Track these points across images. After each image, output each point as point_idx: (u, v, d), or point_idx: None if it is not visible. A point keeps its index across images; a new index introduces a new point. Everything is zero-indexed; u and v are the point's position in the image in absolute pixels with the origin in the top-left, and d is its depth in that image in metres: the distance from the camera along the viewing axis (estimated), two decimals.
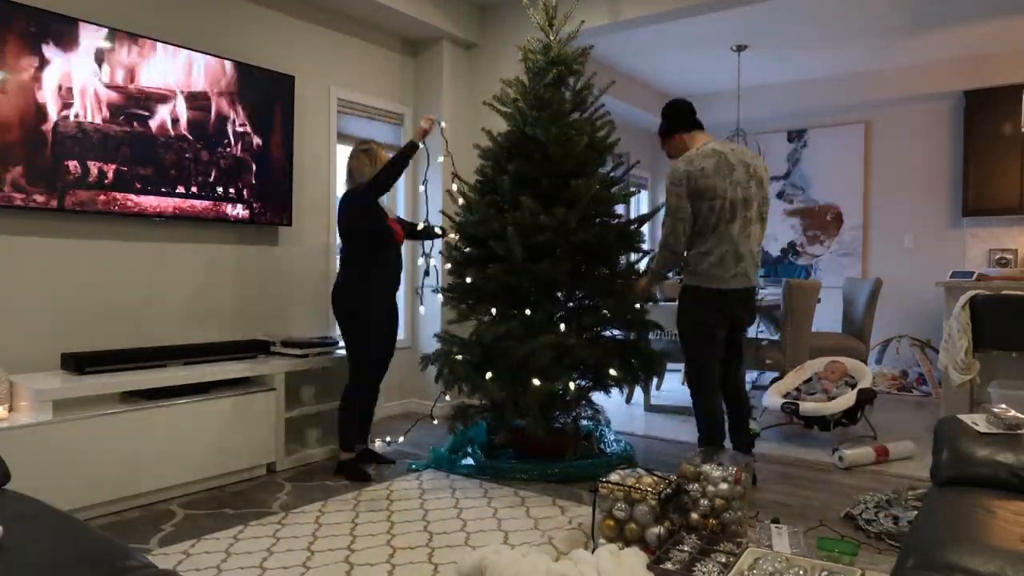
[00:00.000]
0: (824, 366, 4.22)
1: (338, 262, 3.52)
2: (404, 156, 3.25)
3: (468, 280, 3.46)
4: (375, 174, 3.28)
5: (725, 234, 2.96)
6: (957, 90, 5.81)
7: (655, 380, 3.72)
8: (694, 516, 2.48)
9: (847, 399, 3.77)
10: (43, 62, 2.88)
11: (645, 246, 3.61)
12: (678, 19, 4.20)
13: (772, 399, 4.05)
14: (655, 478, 2.46)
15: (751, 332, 6.45)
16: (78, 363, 2.86)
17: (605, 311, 3.32)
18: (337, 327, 3.67)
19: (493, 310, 3.36)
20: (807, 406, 3.83)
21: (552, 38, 3.57)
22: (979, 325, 3.63)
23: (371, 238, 3.32)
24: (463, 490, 3.11)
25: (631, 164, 3.90)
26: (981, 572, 1.23)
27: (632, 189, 3.61)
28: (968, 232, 5.96)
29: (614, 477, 2.47)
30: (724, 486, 2.47)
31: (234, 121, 3.58)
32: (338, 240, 3.52)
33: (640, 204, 7.53)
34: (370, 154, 3.39)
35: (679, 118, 3.14)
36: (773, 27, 5.05)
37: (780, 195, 6.91)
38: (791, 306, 4.47)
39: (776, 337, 4.79)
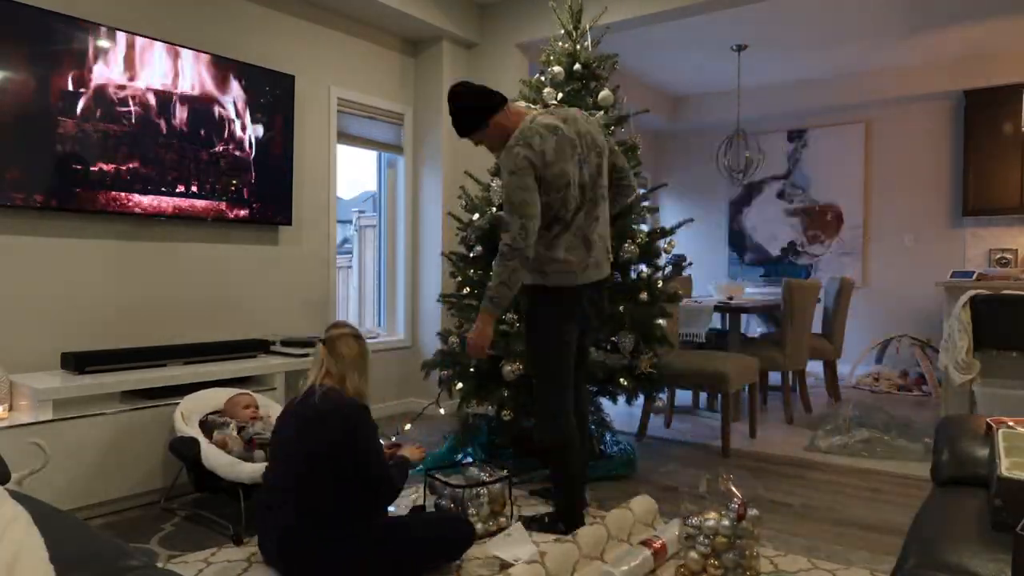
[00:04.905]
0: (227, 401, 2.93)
1: None
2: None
3: (474, 278, 3.44)
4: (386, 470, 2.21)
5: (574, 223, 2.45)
6: (957, 90, 5.81)
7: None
8: (692, 555, 2.16)
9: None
10: (43, 62, 2.88)
11: (660, 261, 3.47)
12: (682, 18, 4.19)
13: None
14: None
15: (752, 331, 6.43)
16: (78, 363, 2.86)
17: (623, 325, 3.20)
18: None
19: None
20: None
21: (577, 44, 3.47)
22: (979, 325, 3.63)
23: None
24: None
25: (657, 185, 3.88)
26: (981, 572, 1.23)
27: (646, 204, 3.49)
28: (968, 232, 5.96)
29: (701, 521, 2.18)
30: (726, 522, 2.13)
31: (234, 120, 3.58)
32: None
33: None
34: None
35: (483, 100, 2.48)
36: (773, 27, 5.05)
37: (780, 195, 6.91)
38: (791, 306, 4.47)
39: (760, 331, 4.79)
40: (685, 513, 2.22)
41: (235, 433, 2.73)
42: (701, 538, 2.14)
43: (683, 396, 5.24)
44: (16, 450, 2.47)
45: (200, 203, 3.45)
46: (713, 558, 2.13)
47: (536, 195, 2.34)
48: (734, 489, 2.22)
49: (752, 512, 2.15)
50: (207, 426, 2.80)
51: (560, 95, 3.38)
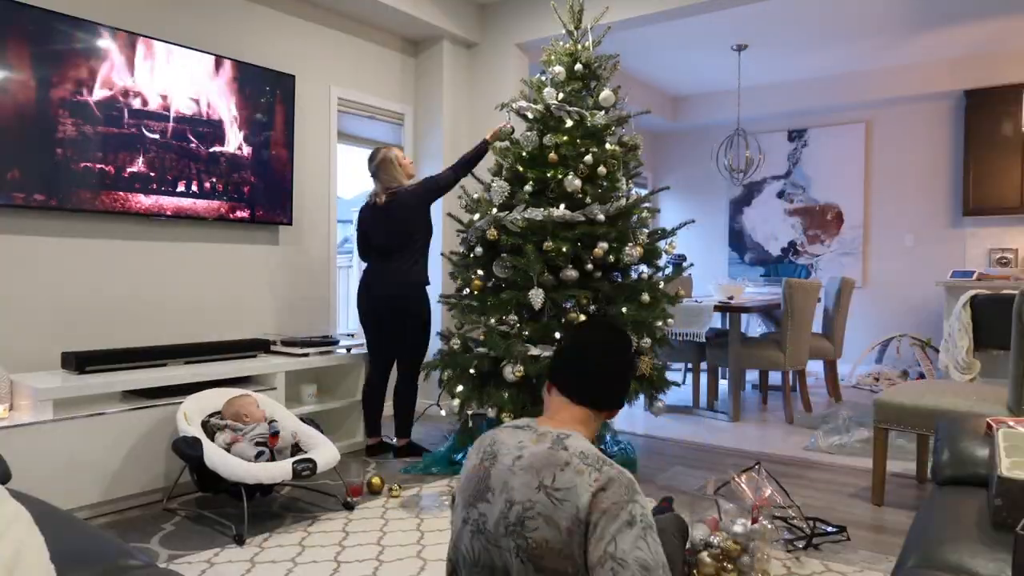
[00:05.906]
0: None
1: (402, 259, 3.55)
2: (478, 157, 3.61)
3: (476, 280, 3.43)
4: (448, 172, 3.62)
5: None
6: (957, 90, 5.81)
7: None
8: (706, 559, 2.09)
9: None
10: (43, 61, 2.88)
11: (661, 262, 3.48)
12: (682, 17, 4.19)
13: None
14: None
15: (753, 330, 6.45)
16: (78, 362, 2.86)
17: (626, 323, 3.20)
18: (402, 321, 3.55)
19: (494, 319, 3.27)
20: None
21: (578, 43, 3.46)
22: (980, 324, 3.63)
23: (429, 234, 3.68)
24: None
25: (659, 188, 3.88)
26: (981, 572, 1.24)
27: (647, 205, 3.49)
28: (968, 232, 5.96)
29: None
30: (738, 526, 2.09)
31: (234, 120, 3.58)
32: (387, 239, 3.58)
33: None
34: (397, 161, 3.61)
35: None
36: (773, 27, 5.05)
37: (780, 195, 6.91)
38: (791, 306, 4.47)
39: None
40: (696, 515, 2.19)
41: (238, 434, 2.73)
42: (714, 539, 2.11)
43: (683, 396, 5.24)
44: (17, 449, 2.47)
45: (200, 203, 3.45)
46: (726, 561, 2.09)
47: None
48: (746, 490, 2.20)
49: (764, 514, 2.14)
50: (208, 428, 2.80)
51: (560, 95, 3.37)
